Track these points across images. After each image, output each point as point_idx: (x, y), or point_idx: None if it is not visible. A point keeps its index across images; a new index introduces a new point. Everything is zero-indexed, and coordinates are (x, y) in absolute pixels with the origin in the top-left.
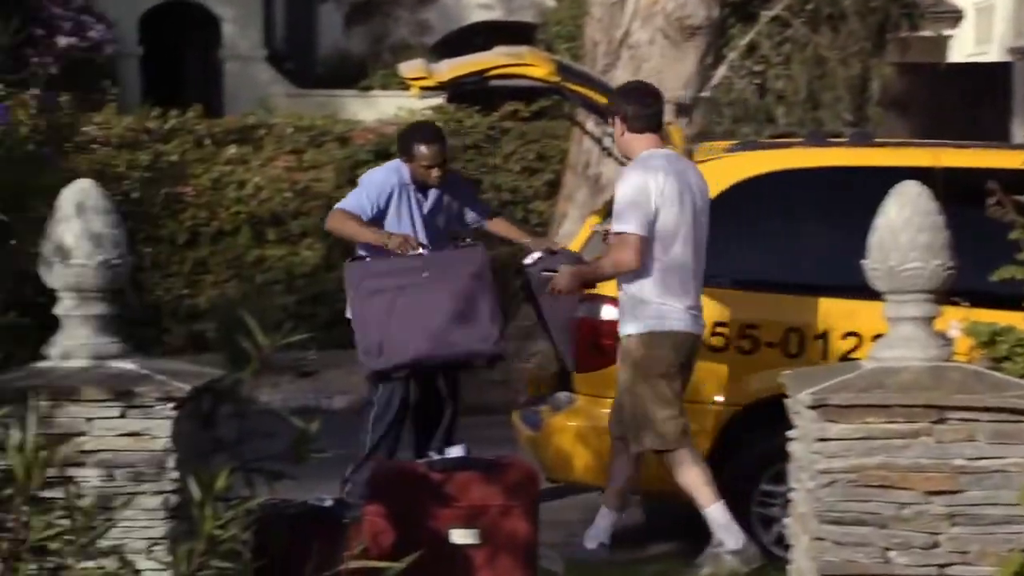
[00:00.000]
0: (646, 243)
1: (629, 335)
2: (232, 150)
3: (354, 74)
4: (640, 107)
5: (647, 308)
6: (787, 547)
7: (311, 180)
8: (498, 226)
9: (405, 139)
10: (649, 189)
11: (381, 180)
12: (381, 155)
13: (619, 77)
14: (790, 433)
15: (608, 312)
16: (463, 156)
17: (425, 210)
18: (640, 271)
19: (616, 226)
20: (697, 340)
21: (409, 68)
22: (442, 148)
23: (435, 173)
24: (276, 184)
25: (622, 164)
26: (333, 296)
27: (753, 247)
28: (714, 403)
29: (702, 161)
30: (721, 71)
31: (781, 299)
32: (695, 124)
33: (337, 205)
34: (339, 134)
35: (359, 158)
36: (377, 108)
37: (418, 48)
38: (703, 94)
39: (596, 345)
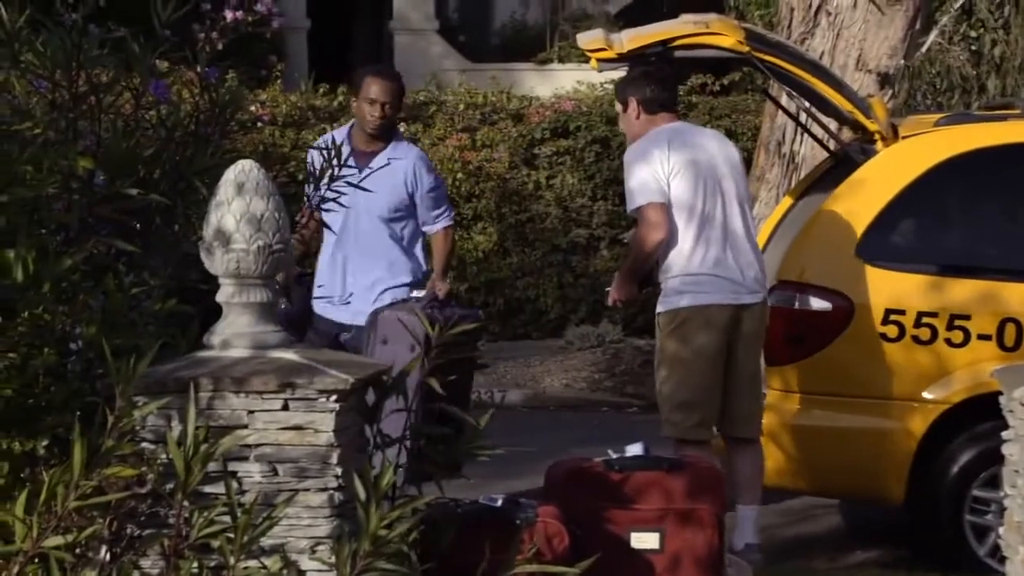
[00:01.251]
0: (664, 209)
1: (658, 313)
2: (401, 128)
3: (531, 46)
4: (659, 88)
5: (671, 283)
6: (1002, 559)
7: (484, 160)
8: (437, 244)
9: (355, 75)
10: (653, 159)
11: (329, 137)
12: (558, 132)
13: (816, 46)
14: (1004, 434)
15: (799, 300)
16: None
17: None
18: (668, 245)
19: (631, 205)
20: (742, 311)
21: (588, 39)
22: (396, 88)
23: (376, 112)
24: (447, 164)
25: (820, 142)
26: (507, 283)
27: (966, 229)
28: (921, 400)
29: (908, 136)
30: (932, 37)
31: (996, 287)
32: (899, 96)
33: None
34: (514, 111)
35: (535, 136)
36: (555, 82)
37: (599, 17)
38: (910, 63)
39: (785, 336)
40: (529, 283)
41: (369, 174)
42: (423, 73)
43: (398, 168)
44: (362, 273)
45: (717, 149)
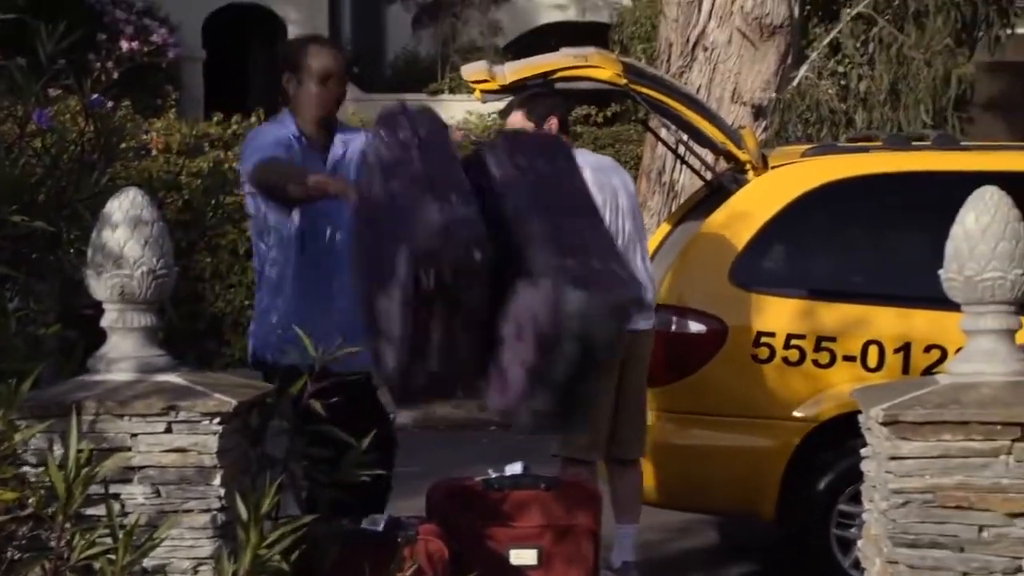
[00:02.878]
0: None
1: None
2: None
3: (423, 77)
4: (565, 112)
5: None
6: (863, 570)
7: None
8: None
9: (290, 49)
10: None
11: (275, 131)
12: None
13: (694, 79)
14: (863, 451)
15: (676, 323)
16: None
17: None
18: None
19: None
20: (634, 337)
21: (471, 71)
22: (343, 59)
23: (332, 88)
24: None
25: (696, 172)
26: None
27: (832, 256)
28: (791, 419)
29: (778, 166)
30: (802, 72)
31: (861, 311)
32: (772, 127)
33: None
34: None
35: None
36: (446, 112)
37: (488, 50)
38: (781, 96)
39: (664, 358)
40: None
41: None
42: None
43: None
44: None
45: (618, 179)
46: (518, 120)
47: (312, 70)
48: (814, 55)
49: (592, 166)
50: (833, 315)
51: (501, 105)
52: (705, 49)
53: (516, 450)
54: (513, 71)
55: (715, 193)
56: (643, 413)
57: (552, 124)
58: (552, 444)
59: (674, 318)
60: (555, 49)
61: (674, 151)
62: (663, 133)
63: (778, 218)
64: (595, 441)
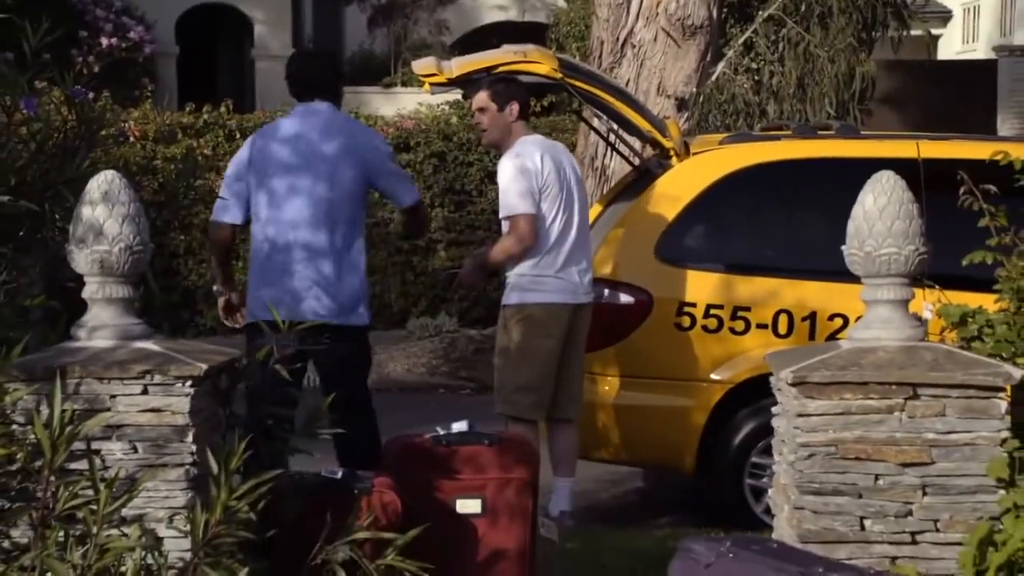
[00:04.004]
0: (535, 221)
1: (505, 305)
2: None
3: (378, 72)
4: (527, 99)
5: (522, 280)
6: (773, 516)
7: None
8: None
9: (330, 60)
10: (530, 172)
11: (239, 153)
12: (401, 147)
13: (623, 74)
14: (774, 409)
15: (608, 295)
16: (478, 148)
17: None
18: (531, 248)
19: (507, 211)
20: (578, 310)
21: (421, 65)
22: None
23: None
24: None
25: (625, 158)
26: None
27: (747, 234)
28: (710, 381)
29: (698, 152)
30: (720, 68)
31: (772, 283)
32: (693, 118)
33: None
34: None
35: None
36: (399, 104)
37: (437, 47)
38: (702, 90)
39: (597, 326)
40: (375, 280)
41: None
42: (282, 96)
43: None
44: None
45: (568, 164)
46: (483, 100)
47: None
48: (731, 53)
49: (548, 151)
50: (748, 287)
51: (449, 96)
52: (633, 47)
53: (462, 411)
54: (459, 65)
55: (642, 177)
56: (580, 377)
57: (514, 108)
58: (496, 404)
59: (606, 290)
60: (498, 46)
61: (605, 139)
62: (595, 123)
63: (699, 200)
64: (540, 402)
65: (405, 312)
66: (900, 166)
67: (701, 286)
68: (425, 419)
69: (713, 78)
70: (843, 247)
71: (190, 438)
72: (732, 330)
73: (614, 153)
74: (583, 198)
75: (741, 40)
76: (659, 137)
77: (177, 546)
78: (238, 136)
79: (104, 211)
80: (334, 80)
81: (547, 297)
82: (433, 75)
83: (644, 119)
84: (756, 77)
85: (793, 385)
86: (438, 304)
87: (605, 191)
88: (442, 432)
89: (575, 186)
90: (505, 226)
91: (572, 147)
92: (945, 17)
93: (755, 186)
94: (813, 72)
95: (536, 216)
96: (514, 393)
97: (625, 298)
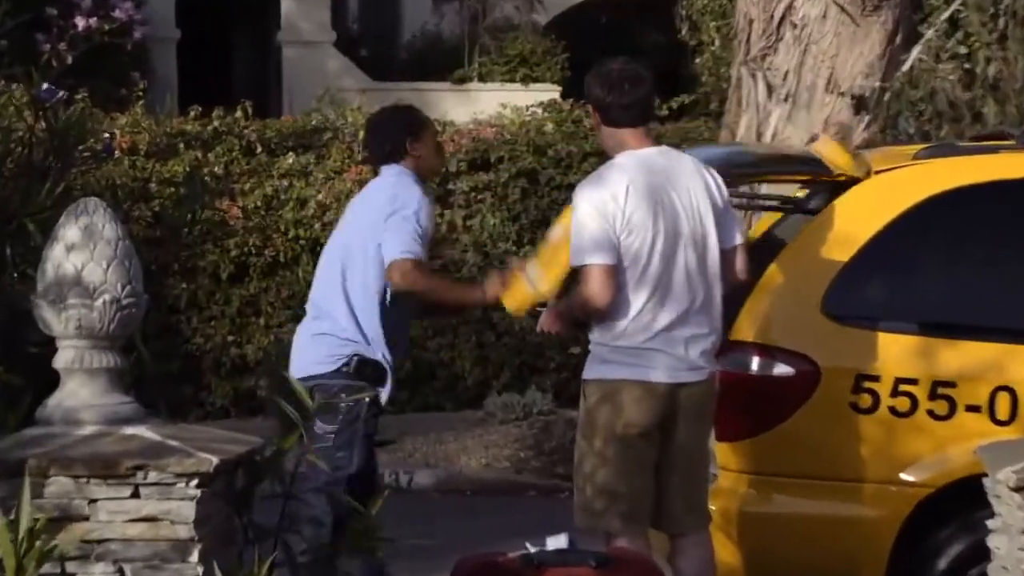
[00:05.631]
0: (613, 273)
1: (585, 380)
2: (290, 160)
3: (446, 62)
4: (619, 93)
5: (603, 350)
6: None
7: None
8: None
9: (398, 121)
10: (606, 207)
11: (420, 194)
12: (477, 164)
13: (780, 63)
14: (990, 523)
15: (757, 363)
16: (582, 166)
17: None
18: (608, 309)
19: (574, 259)
20: (680, 389)
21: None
22: None
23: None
24: (345, 202)
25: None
26: (416, 344)
27: (952, 281)
28: (900, 483)
29: (882, 171)
30: (915, 54)
31: (987, 349)
32: (877, 123)
33: (402, 254)
34: None
35: (450, 169)
36: (474, 105)
37: (526, 28)
38: (889, 84)
39: (739, 407)
40: (442, 344)
41: None
42: (316, 93)
43: None
44: None
45: (694, 194)
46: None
47: (424, 141)
48: (930, 33)
49: (638, 178)
50: (953, 355)
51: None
52: (794, 26)
53: (560, 521)
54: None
55: (805, 204)
56: (701, 480)
57: (595, 113)
58: (576, 513)
59: (754, 358)
60: (606, 26)
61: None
62: (743, 129)
63: (883, 235)
64: (630, 512)
65: (483, 387)
66: None
67: (887, 353)
68: (510, 530)
69: (905, 67)
70: None
71: (195, 557)
72: (931, 413)
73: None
74: (706, 237)
75: (945, 15)
76: (826, 178)
77: None
78: (258, 150)
79: (83, 252)
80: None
81: (632, 372)
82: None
83: (794, 175)
84: (966, 65)
85: (1017, 490)
86: (526, 375)
87: (754, 223)
88: (533, 549)
89: (700, 223)
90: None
91: None
92: None
93: (963, 216)
94: None
95: (613, 267)
96: (593, 499)
97: (780, 369)
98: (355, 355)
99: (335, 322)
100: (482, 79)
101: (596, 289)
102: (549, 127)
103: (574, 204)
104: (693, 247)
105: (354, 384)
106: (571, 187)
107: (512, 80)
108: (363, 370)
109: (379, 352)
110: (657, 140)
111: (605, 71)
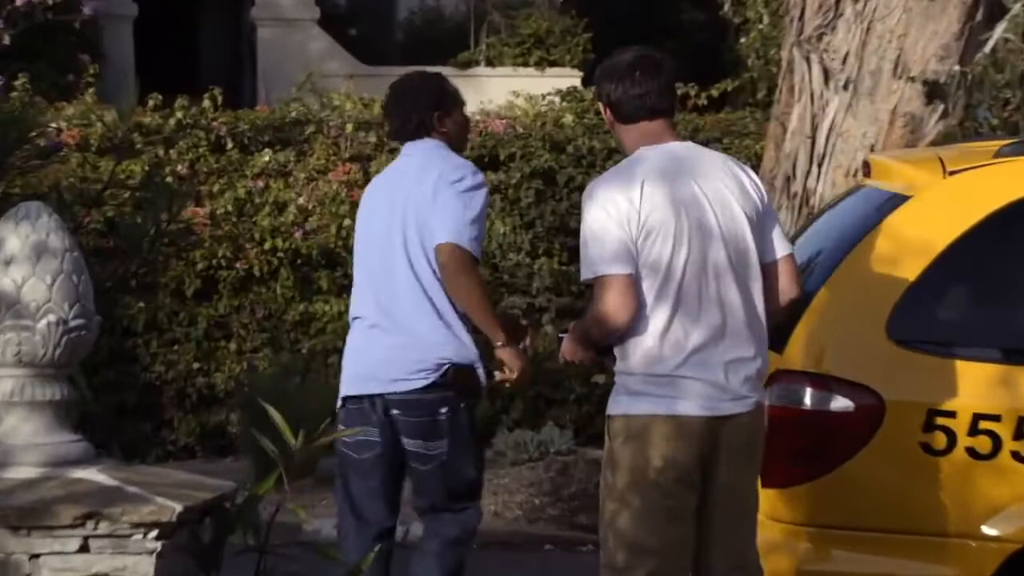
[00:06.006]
0: (630, 284)
1: (609, 416)
2: (267, 157)
3: (449, 43)
4: (632, 84)
5: (628, 380)
6: None
7: None
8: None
9: (433, 86)
10: (619, 208)
11: (475, 170)
12: (485, 163)
13: (839, 45)
14: None
15: (812, 396)
16: (606, 165)
17: None
18: (627, 327)
19: (585, 272)
20: (721, 423)
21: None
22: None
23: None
24: (331, 207)
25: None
26: None
27: None
28: (981, 537)
29: (959, 171)
30: (999, 32)
31: None
32: (954, 113)
33: (458, 239)
34: None
35: None
36: (481, 93)
37: (541, 5)
38: (969, 68)
39: (790, 448)
40: None
41: None
42: (297, 79)
43: None
44: None
45: (725, 192)
46: None
47: (457, 108)
48: (1018, 7)
49: (659, 175)
50: None
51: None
52: (855, 1)
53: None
54: None
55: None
56: (749, 531)
57: (606, 108)
58: (600, 570)
59: (807, 390)
60: (635, 4)
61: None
62: (795, 122)
63: (959, 246)
64: (661, 569)
65: (492, 421)
66: None
67: (965, 385)
68: None
69: (988, 48)
70: None
71: None
72: (1017, 456)
73: (825, 170)
74: (742, 242)
75: None
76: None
77: None
78: (229, 145)
79: (24, 266)
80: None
81: (662, 406)
82: None
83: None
84: None
85: None
86: (542, 409)
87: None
88: None
89: (735, 226)
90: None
91: (756, 160)
92: None
93: None
94: None
95: (629, 277)
96: (620, 552)
97: (838, 403)
98: (448, 363)
99: (417, 329)
100: (490, 63)
101: (614, 305)
102: (568, 119)
103: (583, 207)
104: (726, 253)
105: (448, 395)
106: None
107: (525, 64)
108: (459, 378)
109: (471, 354)
110: (685, 136)
111: (612, 61)
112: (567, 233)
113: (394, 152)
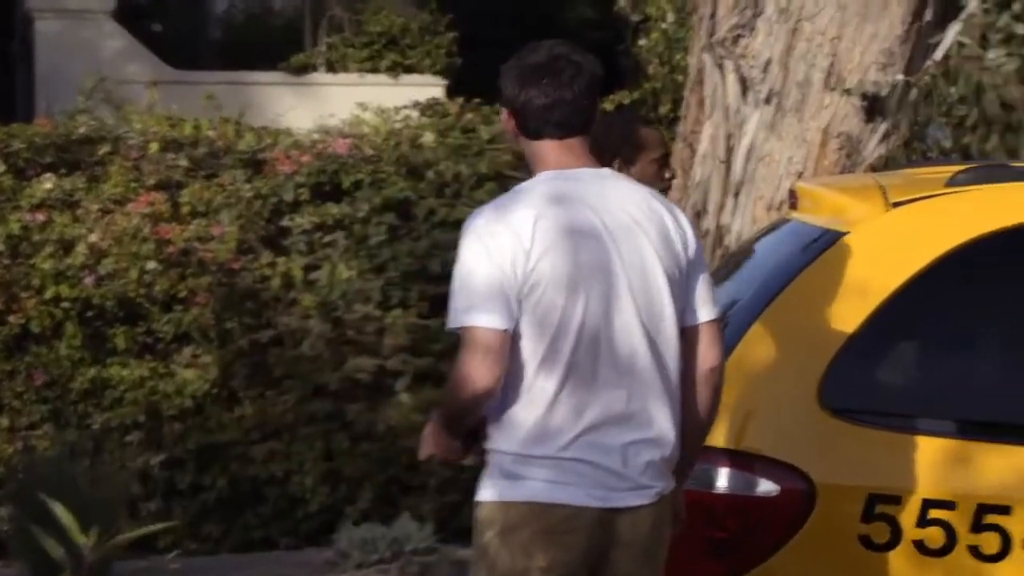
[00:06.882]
0: (504, 341)
1: (478, 502)
2: (48, 184)
3: (279, 44)
4: (535, 90)
5: (502, 459)
6: None
7: (194, 238)
8: None
9: (620, 124)
10: (503, 247)
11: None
12: (325, 191)
13: (759, 50)
14: None
15: (728, 478)
16: (475, 194)
17: None
18: (503, 393)
19: (451, 320)
20: (617, 516)
21: None
22: None
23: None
24: (130, 245)
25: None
26: (235, 452)
27: (1004, 362)
28: None
29: (904, 202)
30: (951, 35)
31: None
32: (899, 133)
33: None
34: (248, 153)
35: (284, 198)
36: (320, 105)
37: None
38: (917, 79)
39: (702, 540)
40: (275, 451)
41: None
42: (86, 86)
43: None
44: None
45: (640, 236)
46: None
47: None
48: (973, 4)
49: (552, 208)
50: (1006, 467)
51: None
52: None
53: None
54: None
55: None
56: None
57: (507, 118)
58: None
59: (723, 470)
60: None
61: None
62: (705, 144)
63: (905, 294)
64: None
65: (332, 513)
66: None
67: (913, 464)
68: None
69: (938, 55)
70: None
71: None
72: (975, 551)
73: (740, 202)
74: (656, 303)
75: None
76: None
77: None
78: (0, 169)
79: None
80: None
81: (546, 492)
82: None
83: None
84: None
85: None
86: (396, 497)
87: (722, 274)
88: None
89: (636, 278)
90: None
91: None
92: None
93: (1020, 267)
94: None
95: (505, 333)
96: None
97: (761, 486)
98: None
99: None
100: (332, 68)
101: (476, 365)
102: (428, 138)
103: (460, 243)
104: (635, 311)
105: None
106: (458, 224)
107: (375, 70)
108: None
109: None
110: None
111: (521, 58)
112: (427, 279)
113: (210, 177)
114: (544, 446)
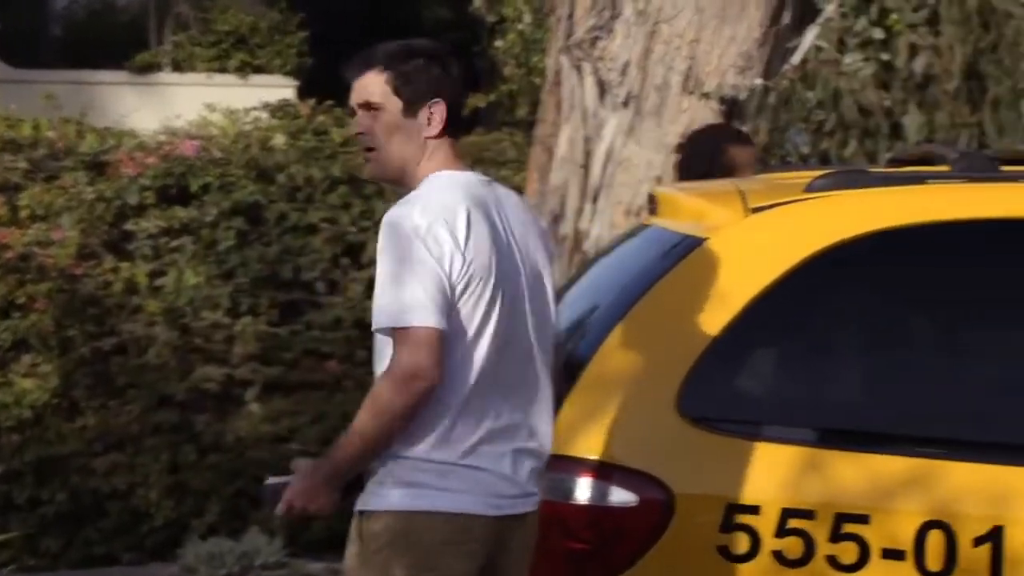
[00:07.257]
0: (442, 342)
1: (362, 512)
2: None
3: (123, 42)
4: (461, 97)
5: (400, 467)
6: None
7: (34, 243)
8: None
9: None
10: (442, 244)
11: None
12: (171, 195)
13: (617, 52)
14: None
15: (584, 488)
16: (327, 198)
17: None
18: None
19: (386, 319)
20: (506, 524)
21: None
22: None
23: None
24: None
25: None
26: (75, 464)
27: (863, 371)
28: None
29: (763, 207)
30: (809, 39)
31: (912, 465)
32: (758, 136)
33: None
34: (90, 155)
35: (128, 201)
36: (167, 104)
37: None
38: (775, 83)
39: (559, 552)
40: (118, 463)
41: None
42: None
43: None
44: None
45: (531, 242)
46: (375, 86)
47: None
48: (831, 7)
49: (482, 204)
50: (863, 475)
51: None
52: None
53: None
54: None
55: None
56: None
57: (435, 112)
58: None
59: (579, 480)
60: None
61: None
62: (563, 147)
63: (764, 301)
64: None
65: (177, 527)
66: None
67: (772, 473)
68: None
69: (796, 59)
70: None
71: None
72: (832, 561)
73: (598, 208)
74: (545, 306)
75: None
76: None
77: None
78: None
79: None
80: None
81: (445, 501)
82: None
83: None
84: (883, 56)
85: None
86: (245, 510)
87: (580, 280)
88: None
89: (532, 275)
90: (381, 345)
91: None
92: None
93: (878, 275)
94: (999, 47)
95: (442, 333)
96: None
97: (617, 496)
98: None
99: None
100: (178, 67)
101: (422, 360)
102: (279, 140)
103: (383, 237)
104: (532, 322)
105: None
106: (310, 229)
107: (223, 69)
108: None
109: None
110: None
111: (419, 41)
112: (278, 286)
113: (50, 180)
114: (446, 452)
